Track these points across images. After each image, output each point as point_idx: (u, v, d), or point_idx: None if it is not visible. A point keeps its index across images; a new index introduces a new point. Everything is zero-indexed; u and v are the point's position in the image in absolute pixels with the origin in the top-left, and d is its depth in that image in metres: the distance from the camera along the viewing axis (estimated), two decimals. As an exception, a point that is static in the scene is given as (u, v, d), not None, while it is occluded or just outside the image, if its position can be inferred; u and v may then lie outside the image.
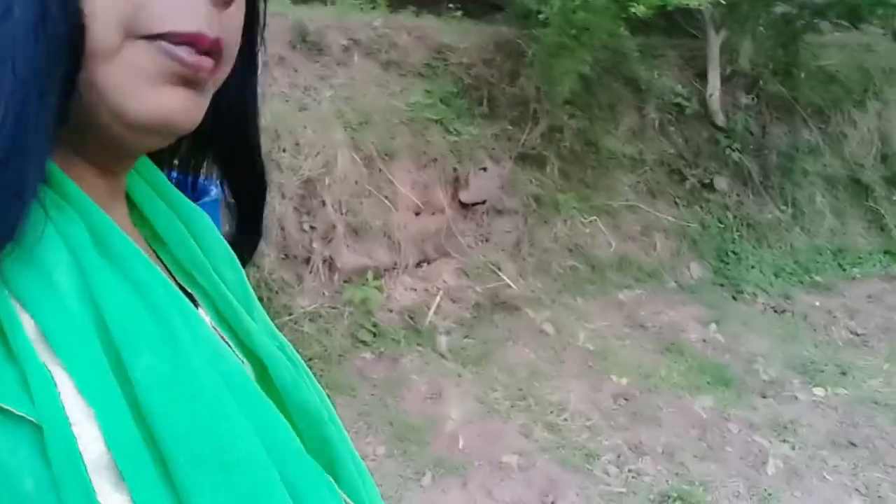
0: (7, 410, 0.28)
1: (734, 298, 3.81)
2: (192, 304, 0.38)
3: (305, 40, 3.63)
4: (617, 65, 4.34)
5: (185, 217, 0.42)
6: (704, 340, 3.16)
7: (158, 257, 0.41)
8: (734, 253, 4.17)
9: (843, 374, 2.89)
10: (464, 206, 3.88)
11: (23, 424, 0.28)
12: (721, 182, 4.36)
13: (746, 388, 2.76)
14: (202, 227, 0.42)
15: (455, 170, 3.79)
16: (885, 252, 4.42)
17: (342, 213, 3.24)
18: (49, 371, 0.29)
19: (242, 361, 0.40)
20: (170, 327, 0.33)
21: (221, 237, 0.44)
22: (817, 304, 3.77)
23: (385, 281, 3.33)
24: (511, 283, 3.63)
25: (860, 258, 4.35)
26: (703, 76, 4.28)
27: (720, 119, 4.28)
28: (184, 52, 0.33)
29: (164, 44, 0.33)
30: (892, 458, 2.33)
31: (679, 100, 4.26)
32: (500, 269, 3.68)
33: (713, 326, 3.23)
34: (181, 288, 0.40)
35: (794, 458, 2.31)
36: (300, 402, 0.40)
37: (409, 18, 4.19)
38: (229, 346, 0.40)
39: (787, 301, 3.79)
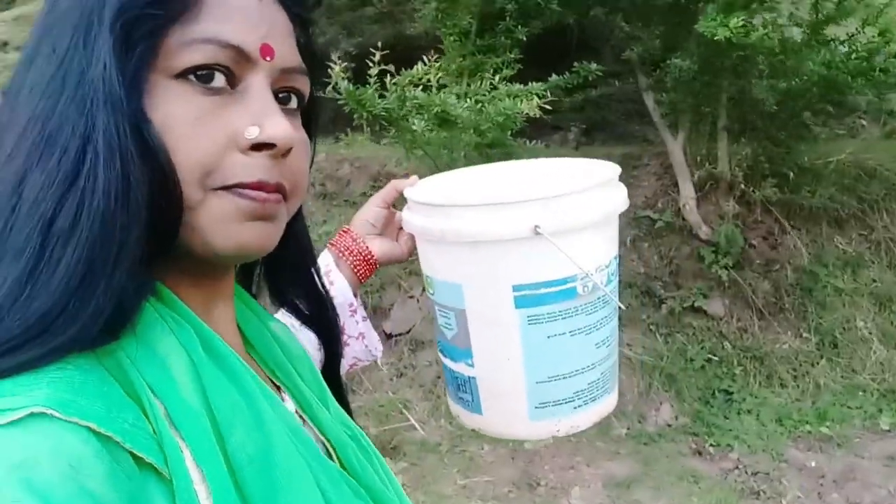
0: (149, 464, 0.36)
1: (698, 453, 3.03)
2: (277, 393, 0.49)
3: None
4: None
5: (271, 328, 0.54)
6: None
7: (251, 356, 0.52)
8: (725, 392, 3.37)
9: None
10: (388, 336, 3.64)
11: (158, 476, 0.37)
12: (715, 305, 3.63)
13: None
14: (284, 336, 0.54)
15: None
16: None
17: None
18: (177, 441, 0.38)
19: (320, 442, 0.49)
20: (257, 410, 0.42)
21: (300, 344, 0.56)
22: (812, 464, 2.85)
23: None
24: (417, 426, 3.26)
25: (920, 402, 3.26)
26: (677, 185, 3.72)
27: (703, 232, 3.64)
28: (255, 193, 0.43)
29: (237, 190, 0.42)
30: None
31: (648, 212, 3.72)
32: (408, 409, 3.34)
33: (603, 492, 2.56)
34: (270, 381, 0.51)
35: None
36: (366, 485, 0.47)
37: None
38: (309, 426, 0.50)
39: (774, 461, 2.91)
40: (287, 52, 0.45)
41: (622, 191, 0.83)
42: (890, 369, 3.44)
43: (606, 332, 0.81)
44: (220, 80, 0.42)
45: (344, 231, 0.85)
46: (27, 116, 0.40)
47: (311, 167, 0.50)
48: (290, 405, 0.50)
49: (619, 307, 0.80)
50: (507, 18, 3.10)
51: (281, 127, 0.42)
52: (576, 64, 3.17)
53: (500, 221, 0.72)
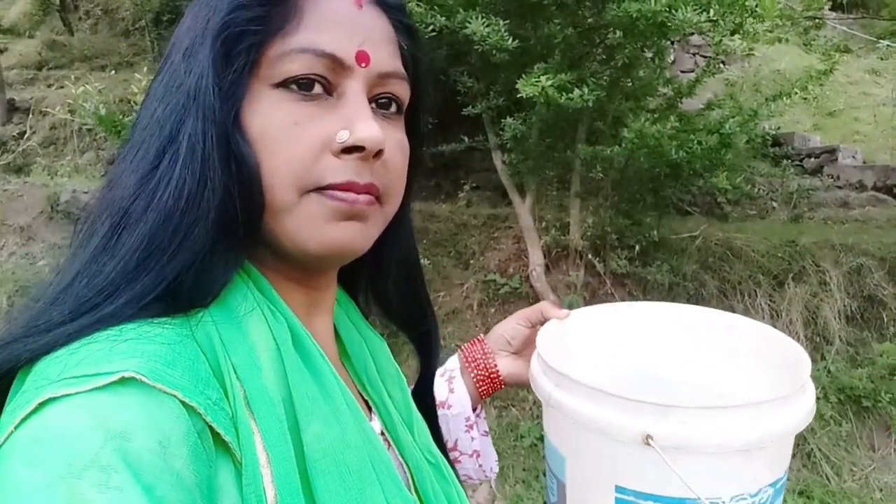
0: (225, 443, 0.38)
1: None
2: (365, 410, 0.50)
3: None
4: (446, 239, 3.81)
5: (370, 343, 0.54)
6: None
7: (345, 368, 0.53)
8: (551, 477, 3.11)
9: None
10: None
11: (230, 457, 0.38)
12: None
13: None
14: (380, 353, 0.55)
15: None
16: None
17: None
18: (250, 424, 0.39)
19: (401, 466, 0.50)
20: (336, 408, 0.43)
21: (395, 363, 0.56)
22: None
23: None
24: None
25: None
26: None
27: (550, 300, 3.45)
28: (343, 195, 0.44)
29: (328, 191, 0.43)
30: None
31: (496, 276, 3.55)
32: None
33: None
34: (360, 395, 0.52)
35: None
36: None
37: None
38: (392, 448, 0.50)
39: None
40: (385, 58, 0.47)
41: (805, 402, 0.60)
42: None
43: None
44: (318, 87, 0.44)
45: (478, 340, 0.82)
46: (140, 119, 0.45)
47: (416, 169, 0.52)
48: (376, 425, 0.51)
49: None
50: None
51: (369, 130, 0.44)
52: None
53: (606, 417, 0.58)
